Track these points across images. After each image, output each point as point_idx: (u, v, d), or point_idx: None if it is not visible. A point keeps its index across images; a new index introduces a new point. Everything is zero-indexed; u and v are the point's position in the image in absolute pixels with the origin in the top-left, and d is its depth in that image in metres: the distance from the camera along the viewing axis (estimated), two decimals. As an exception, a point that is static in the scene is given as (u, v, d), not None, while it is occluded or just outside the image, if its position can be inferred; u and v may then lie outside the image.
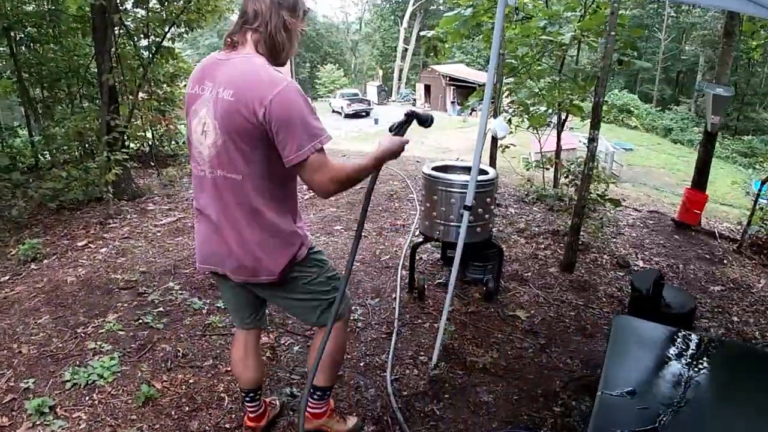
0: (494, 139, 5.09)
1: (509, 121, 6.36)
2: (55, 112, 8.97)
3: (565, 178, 6.93)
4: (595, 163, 5.61)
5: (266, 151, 1.87)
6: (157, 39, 7.87)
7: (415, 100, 44.01)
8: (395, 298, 4.21)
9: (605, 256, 5.40)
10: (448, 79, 36.79)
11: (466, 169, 4.15)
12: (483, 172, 4.00)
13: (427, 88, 41.08)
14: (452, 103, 36.55)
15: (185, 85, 9.80)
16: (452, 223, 3.75)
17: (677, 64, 43.28)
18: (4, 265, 5.25)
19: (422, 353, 3.48)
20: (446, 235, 3.83)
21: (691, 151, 29.43)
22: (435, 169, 3.99)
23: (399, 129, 2.26)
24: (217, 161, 1.92)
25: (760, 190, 6.94)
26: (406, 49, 52.28)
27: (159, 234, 6.04)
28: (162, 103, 10.75)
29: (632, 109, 31.33)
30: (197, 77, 1.98)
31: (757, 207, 6.64)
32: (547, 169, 7.49)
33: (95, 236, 6.01)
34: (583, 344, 3.71)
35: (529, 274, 4.80)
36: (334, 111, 38.04)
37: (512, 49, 5.48)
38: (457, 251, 2.80)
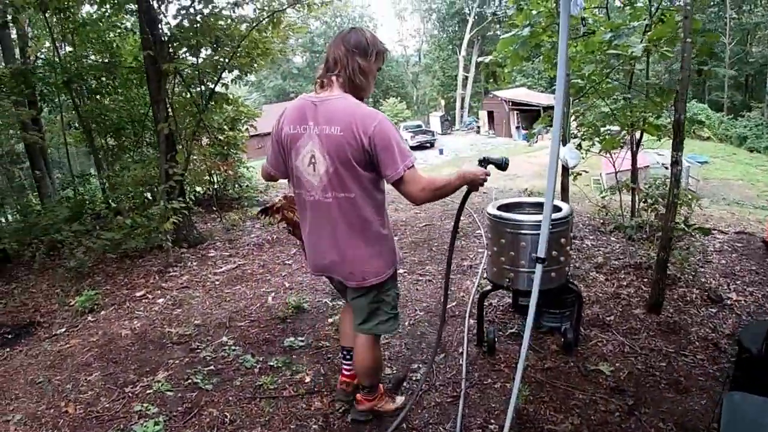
0: (565, 168, 4.64)
1: (579, 146, 5.87)
2: (121, 160, 9.19)
3: (644, 203, 6.35)
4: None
5: (371, 171, 2.34)
6: (211, 86, 7.91)
7: (479, 127, 43.63)
8: (462, 353, 3.80)
9: (694, 290, 4.79)
10: (510, 104, 36.25)
11: (537, 206, 3.75)
12: (556, 208, 3.60)
13: (490, 115, 40.64)
14: (517, 128, 36.00)
15: (247, 129, 10.04)
16: (523, 270, 3.33)
17: (745, 68, 40.83)
18: (62, 317, 5.31)
19: (492, 420, 3.06)
20: (517, 283, 3.41)
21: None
22: (502, 207, 3.60)
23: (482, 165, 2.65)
24: (329, 185, 2.36)
25: None
26: (467, 77, 52.10)
27: (217, 283, 5.97)
28: (225, 148, 10.89)
29: (703, 119, 29.73)
30: (296, 117, 2.42)
31: None
32: (624, 193, 6.90)
33: (154, 286, 6.01)
34: (677, 403, 3.19)
35: (612, 317, 4.28)
36: (398, 144, 38.09)
37: (576, 67, 5.04)
38: (530, 310, 2.39)
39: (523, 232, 3.26)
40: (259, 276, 6.17)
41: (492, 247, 3.51)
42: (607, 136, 5.61)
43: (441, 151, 32.41)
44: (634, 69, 5.57)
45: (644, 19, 4.72)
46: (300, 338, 4.30)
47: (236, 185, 11.37)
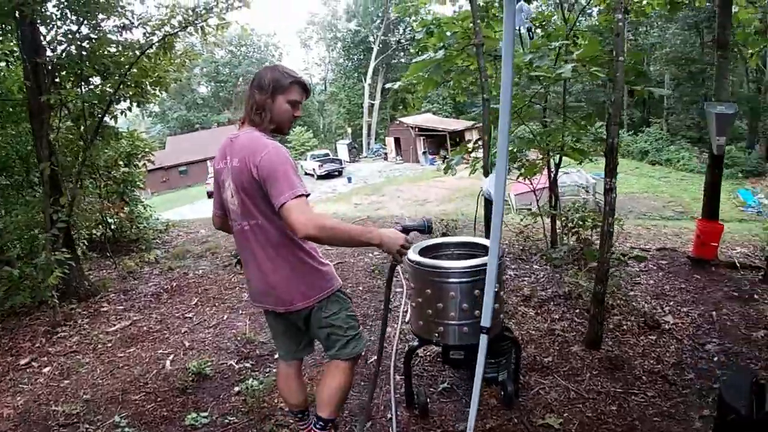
0: (489, 201, 4.25)
1: None
2: (8, 202, 8.07)
3: (564, 226, 6.18)
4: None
5: (267, 199, 2.30)
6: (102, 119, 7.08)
7: (386, 154, 43.85)
8: (391, 419, 3.30)
9: (630, 317, 4.58)
10: (417, 129, 36.70)
11: (463, 246, 3.35)
12: (481, 247, 3.21)
13: (397, 141, 40.92)
14: (423, 153, 36.43)
15: (144, 164, 9.17)
16: (453, 323, 2.90)
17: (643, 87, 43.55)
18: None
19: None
20: (447, 338, 2.97)
21: (670, 171, 29.29)
22: (424, 251, 3.17)
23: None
24: (241, 213, 2.45)
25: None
26: (372, 105, 52.51)
27: (110, 345, 5.28)
28: (120, 186, 9.98)
29: (604, 136, 31.14)
30: (220, 154, 2.53)
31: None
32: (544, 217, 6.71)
33: (40, 351, 5.28)
34: (638, 453, 2.86)
35: (550, 358, 3.94)
36: (306, 173, 37.81)
37: (496, 91, 4.75)
38: (474, 385, 1.94)
39: (451, 281, 2.83)
40: (157, 334, 5.54)
41: (416, 298, 3.05)
42: (526, 163, 5.33)
43: (349, 179, 32.18)
44: (549, 92, 5.39)
45: (560, 40, 4.51)
46: (203, 413, 3.70)
47: (133, 226, 10.40)
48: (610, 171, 3.38)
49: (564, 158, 5.97)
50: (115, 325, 5.85)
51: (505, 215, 9.64)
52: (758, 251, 6.94)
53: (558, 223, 6.37)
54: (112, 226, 8.39)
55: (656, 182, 25.32)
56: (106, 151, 9.34)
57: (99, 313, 6.27)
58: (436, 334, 2.96)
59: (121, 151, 9.90)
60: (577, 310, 4.68)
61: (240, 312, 5.89)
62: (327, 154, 39.53)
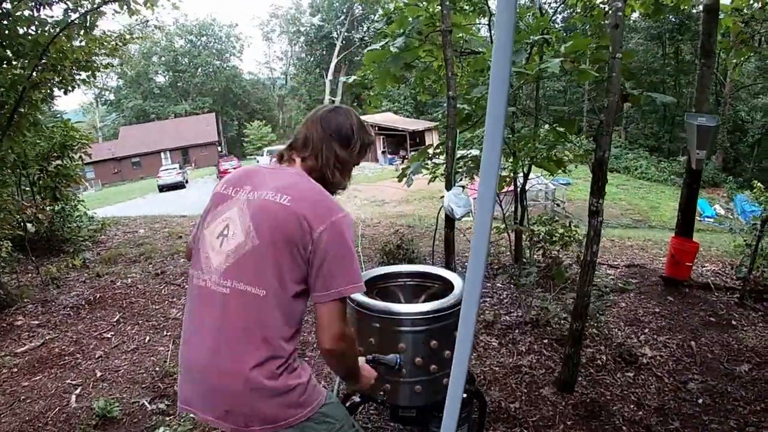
0: (450, 220, 3.64)
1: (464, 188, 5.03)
2: None
3: (529, 239, 5.67)
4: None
5: (300, 271, 1.63)
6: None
7: (345, 152, 43.20)
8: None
9: (603, 349, 4.09)
10: (377, 128, 36.15)
11: (416, 277, 2.76)
12: (442, 282, 2.63)
13: (358, 140, 40.30)
14: (383, 152, 35.94)
15: (80, 157, 8.31)
16: (404, 380, 2.30)
17: (602, 95, 44.02)
18: None
19: None
20: (397, 398, 2.37)
21: (628, 179, 29.49)
22: (370, 282, 2.56)
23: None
24: (235, 271, 1.63)
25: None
26: (333, 101, 51.65)
27: (15, 370, 4.63)
28: (54, 180, 9.08)
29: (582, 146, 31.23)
30: (235, 179, 1.80)
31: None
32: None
33: None
34: None
35: (517, 404, 3.39)
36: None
37: (463, 90, 4.12)
38: None
39: (402, 329, 2.23)
40: (69, 358, 4.88)
41: (358, 346, 2.44)
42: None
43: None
44: (519, 93, 4.86)
45: (538, 35, 3.92)
46: None
47: (65, 225, 9.44)
48: (598, 190, 2.81)
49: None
50: (25, 344, 5.18)
51: (463, 223, 9.10)
52: (728, 268, 6.63)
53: (523, 235, 5.86)
54: (29, 227, 7.48)
55: (614, 190, 25.36)
56: (38, 142, 8.66)
57: (11, 329, 5.59)
58: (382, 392, 2.36)
59: (54, 142, 9.07)
60: (546, 340, 4.16)
61: (164, 333, 5.22)
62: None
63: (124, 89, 57.19)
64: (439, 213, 4.50)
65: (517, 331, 4.35)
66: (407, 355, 2.24)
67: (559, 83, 34.43)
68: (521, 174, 5.54)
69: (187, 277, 6.89)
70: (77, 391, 4.17)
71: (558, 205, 10.39)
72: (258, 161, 38.38)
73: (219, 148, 51.42)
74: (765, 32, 6.15)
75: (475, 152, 7.62)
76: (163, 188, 33.21)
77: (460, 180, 4.59)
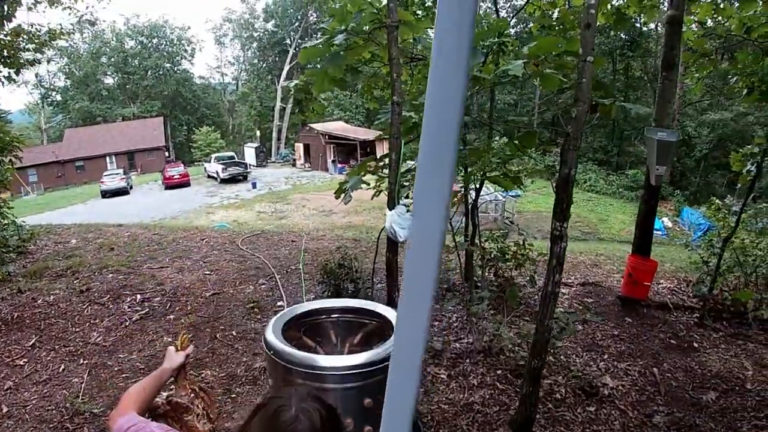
0: (393, 243, 3.22)
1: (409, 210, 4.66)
2: None
3: (481, 258, 5.35)
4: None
5: None
6: None
7: (294, 160, 42.53)
8: None
9: (561, 380, 3.78)
10: (327, 137, 35.61)
11: (351, 312, 2.36)
12: (377, 317, 2.26)
13: (307, 148, 39.63)
14: (333, 161, 35.42)
15: (11, 160, 7.61)
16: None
17: (552, 108, 44.74)
18: None
19: None
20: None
21: (577, 192, 29.64)
22: (293, 321, 2.14)
23: None
24: None
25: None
26: (284, 108, 50.76)
27: None
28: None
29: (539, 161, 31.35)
30: None
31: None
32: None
33: None
34: None
35: (468, 450, 3.03)
36: (209, 176, 35.94)
37: (412, 94, 3.72)
38: None
39: (328, 386, 1.83)
40: None
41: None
42: None
43: (254, 185, 30.43)
44: (471, 102, 4.54)
45: (495, 38, 3.57)
46: None
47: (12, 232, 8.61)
48: (562, 212, 2.46)
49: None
50: None
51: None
52: (683, 285, 6.48)
53: (474, 256, 5.52)
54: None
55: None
56: None
57: None
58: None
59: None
60: (499, 371, 3.82)
61: (81, 361, 4.68)
62: (232, 157, 37.61)
63: (71, 90, 54.79)
64: (380, 234, 4.13)
65: (468, 360, 4.00)
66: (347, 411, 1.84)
67: (510, 96, 34.70)
68: (473, 188, 5.22)
69: (112, 295, 6.44)
70: (-19, 429, 3.66)
71: (509, 220, 10.15)
72: (205, 168, 37.40)
73: (167, 154, 49.90)
74: (721, 48, 6.05)
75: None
76: (106, 194, 31.76)
77: (405, 196, 4.22)
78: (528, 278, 5.00)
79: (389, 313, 2.21)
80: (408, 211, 4.35)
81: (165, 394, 1.89)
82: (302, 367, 1.84)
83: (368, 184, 3.45)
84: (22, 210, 25.47)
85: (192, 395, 1.93)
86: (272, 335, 1.97)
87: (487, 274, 5.48)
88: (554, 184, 2.57)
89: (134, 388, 1.75)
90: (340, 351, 2.31)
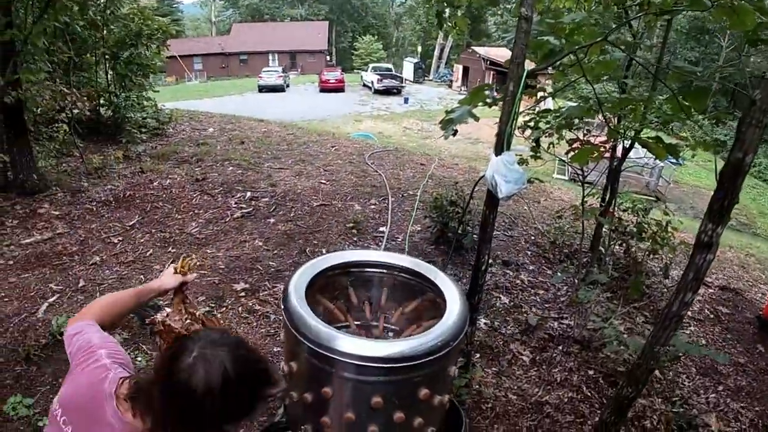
0: (493, 198, 2.57)
1: (524, 161, 3.91)
2: None
3: (613, 231, 4.58)
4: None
5: None
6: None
7: (451, 81, 41.39)
8: None
9: (658, 403, 3.09)
10: (488, 62, 33.87)
11: (395, 270, 1.93)
12: (432, 288, 1.81)
13: (466, 71, 38.19)
14: (494, 89, 33.94)
15: (158, 47, 7.83)
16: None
17: (735, 76, 38.90)
18: None
19: None
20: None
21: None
22: (321, 283, 1.74)
23: None
24: None
25: None
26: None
27: (11, 263, 4.43)
28: (127, 68, 8.78)
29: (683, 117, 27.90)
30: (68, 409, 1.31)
31: None
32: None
33: None
34: None
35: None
36: (364, 85, 36.17)
37: (557, 12, 2.90)
38: None
39: (364, 379, 1.42)
40: (66, 259, 4.57)
41: (297, 380, 1.65)
42: (584, 147, 3.61)
43: (406, 100, 29.99)
44: (642, 41, 3.64)
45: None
46: (28, 400, 2.80)
47: (127, 115, 9.08)
48: (720, 211, 1.73)
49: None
50: (34, 235, 4.97)
51: (558, 183, 7.94)
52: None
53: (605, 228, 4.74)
54: (76, 111, 7.13)
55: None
56: (112, 28, 8.60)
57: (31, 215, 5.41)
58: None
59: (130, 30, 8.75)
60: (592, 371, 3.21)
61: (170, 249, 4.79)
62: (390, 69, 37.36)
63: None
64: (476, 184, 3.55)
65: (560, 348, 3.42)
66: (377, 418, 1.45)
67: (692, 52, 30.73)
68: (620, 147, 4.38)
69: (225, 188, 6.49)
70: (52, 299, 3.93)
71: (661, 190, 8.91)
72: (362, 76, 37.60)
73: (327, 58, 50.88)
74: None
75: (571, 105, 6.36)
76: (262, 89, 33.21)
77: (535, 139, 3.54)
78: (662, 267, 4.22)
79: (448, 289, 1.74)
80: (521, 161, 3.68)
81: (167, 311, 1.73)
82: (310, 342, 1.44)
83: (476, 118, 2.84)
84: (182, 94, 27.52)
85: (188, 322, 1.72)
86: (295, 296, 1.58)
87: (615, 247, 4.74)
88: (718, 171, 1.84)
89: (105, 298, 1.65)
90: (372, 322, 1.90)
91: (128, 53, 8.78)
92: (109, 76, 9.12)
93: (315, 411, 1.55)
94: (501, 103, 2.60)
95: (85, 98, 6.80)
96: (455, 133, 2.84)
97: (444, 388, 1.60)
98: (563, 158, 4.04)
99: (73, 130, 7.14)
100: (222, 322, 3.08)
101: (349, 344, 1.40)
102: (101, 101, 8.82)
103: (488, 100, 2.94)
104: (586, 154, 3.25)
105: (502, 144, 2.50)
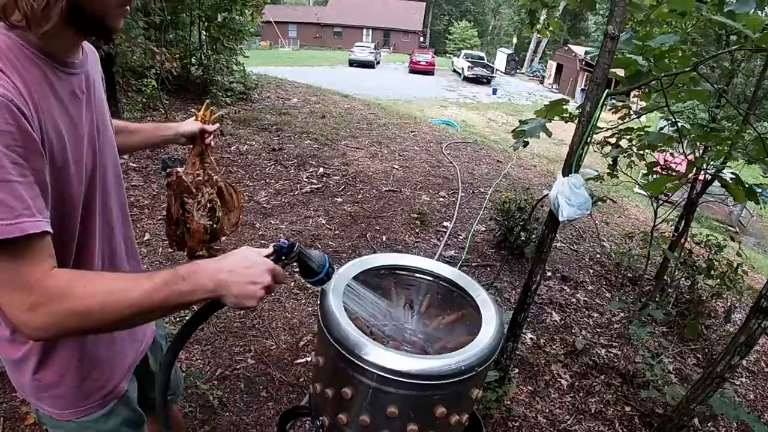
0: (554, 220, 2.49)
1: (600, 178, 3.73)
2: None
3: (681, 263, 4.38)
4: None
5: None
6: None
7: (543, 77, 40.32)
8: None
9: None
10: (583, 63, 32.72)
11: (437, 280, 1.93)
12: (466, 300, 1.81)
13: (559, 68, 37.08)
14: (582, 90, 32.73)
15: (252, 14, 8.07)
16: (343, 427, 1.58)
17: None
18: None
19: None
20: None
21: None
22: (366, 274, 1.77)
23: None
24: None
25: None
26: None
27: None
28: (220, 31, 9.05)
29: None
30: None
31: None
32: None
33: None
34: None
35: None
36: (454, 71, 35.84)
37: (643, 32, 2.74)
38: None
39: (390, 391, 1.45)
40: (135, 211, 4.79)
41: (321, 376, 1.69)
42: (654, 172, 3.43)
43: (495, 91, 29.43)
44: (738, 69, 3.41)
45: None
46: None
47: (214, 77, 9.39)
48: None
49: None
50: None
51: (639, 199, 7.65)
52: None
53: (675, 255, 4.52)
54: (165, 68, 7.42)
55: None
56: None
57: None
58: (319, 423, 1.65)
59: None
60: (629, 407, 3.10)
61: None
62: (482, 58, 36.79)
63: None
64: (537, 202, 3.43)
65: (602, 377, 3.33)
66: (396, 425, 1.48)
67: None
68: (701, 177, 4.15)
69: (299, 161, 6.62)
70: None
71: (741, 222, 8.38)
72: (453, 62, 37.22)
73: (421, 39, 50.72)
74: None
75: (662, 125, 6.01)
76: (352, 63, 33.54)
77: (589, 171, 3.39)
78: (726, 309, 4.01)
79: (487, 311, 1.72)
80: (596, 178, 3.53)
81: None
82: (338, 343, 1.48)
83: (549, 133, 2.77)
84: (273, 60, 28.15)
85: (199, 179, 1.68)
86: (332, 302, 1.62)
87: (680, 279, 4.54)
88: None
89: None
90: (408, 326, 1.92)
91: (222, 17, 9.08)
92: (202, 36, 9.46)
93: (334, 406, 1.59)
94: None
95: (175, 57, 7.10)
96: (526, 144, 2.79)
97: (464, 408, 1.60)
98: (639, 182, 3.89)
99: (160, 85, 7.49)
100: (244, 196, 3.05)
101: (373, 354, 1.42)
102: (192, 60, 9.17)
103: (565, 115, 2.87)
104: (661, 184, 3.12)
105: (571, 165, 2.44)
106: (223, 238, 1.84)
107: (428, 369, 1.43)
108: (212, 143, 1.76)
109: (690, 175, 3.70)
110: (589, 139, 2.47)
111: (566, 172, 2.47)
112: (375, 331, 1.82)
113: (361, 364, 1.43)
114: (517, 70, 43.95)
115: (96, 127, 1.18)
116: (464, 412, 1.62)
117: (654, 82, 2.73)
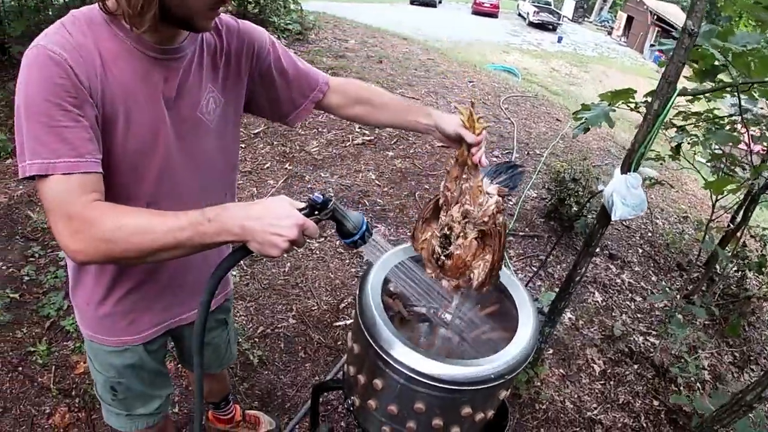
0: (605, 217, 2.42)
1: (660, 158, 3.55)
2: None
3: (734, 256, 4.24)
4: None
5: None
6: None
7: (612, 29, 38.36)
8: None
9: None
10: (655, 17, 30.92)
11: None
12: (508, 299, 1.84)
13: (630, 20, 35.27)
14: (651, 46, 31.05)
15: None
16: (378, 417, 1.66)
17: None
18: None
19: None
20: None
21: None
22: (400, 269, 1.80)
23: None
24: None
25: None
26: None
27: None
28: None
29: None
30: None
31: None
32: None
33: None
34: None
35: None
36: (519, 15, 34.45)
37: (726, 29, 2.53)
38: None
39: (420, 390, 1.50)
40: None
41: (356, 361, 1.75)
42: (716, 170, 3.28)
43: (560, 39, 28.28)
44: None
45: None
46: None
47: (269, 14, 9.27)
48: None
49: None
50: None
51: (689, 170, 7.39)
52: None
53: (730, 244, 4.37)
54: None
55: None
56: None
57: None
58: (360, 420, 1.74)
59: None
60: (658, 401, 3.11)
61: (286, 165, 4.98)
62: (548, 3, 35.19)
63: None
64: (591, 197, 3.32)
65: (634, 368, 3.32)
66: (423, 420, 1.56)
67: None
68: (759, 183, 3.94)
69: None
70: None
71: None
72: (518, 5, 35.73)
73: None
74: None
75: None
76: (414, 1, 32.64)
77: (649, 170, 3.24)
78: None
79: (523, 309, 1.74)
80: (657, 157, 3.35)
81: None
82: (372, 338, 1.54)
83: (611, 124, 2.67)
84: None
85: (454, 195, 1.42)
86: (372, 279, 1.67)
87: (733, 272, 4.41)
88: None
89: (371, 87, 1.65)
90: (445, 313, 1.96)
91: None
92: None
93: (364, 392, 1.67)
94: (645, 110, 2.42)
95: None
96: (586, 131, 2.70)
97: (489, 407, 1.66)
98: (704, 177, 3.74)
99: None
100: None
101: (403, 354, 1.47)
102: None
103: (630, 103, 2.75)
104: (722, 186, 2.99)
105: (630, 163, 2.36)
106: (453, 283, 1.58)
107: (457, 376, 1.47)
108: (484, 162, 1.41)
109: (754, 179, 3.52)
110: (653, 138, 2.37)
111: (625, 169, 2.39)
112: (412, 312, 1.87)
113: (391, 362, 1.49)
114: (585, 18, 41.95)
115: (191, 98, 1.31)
116: (489, 410, 1.67)
117: (727, 76, 2.58)
